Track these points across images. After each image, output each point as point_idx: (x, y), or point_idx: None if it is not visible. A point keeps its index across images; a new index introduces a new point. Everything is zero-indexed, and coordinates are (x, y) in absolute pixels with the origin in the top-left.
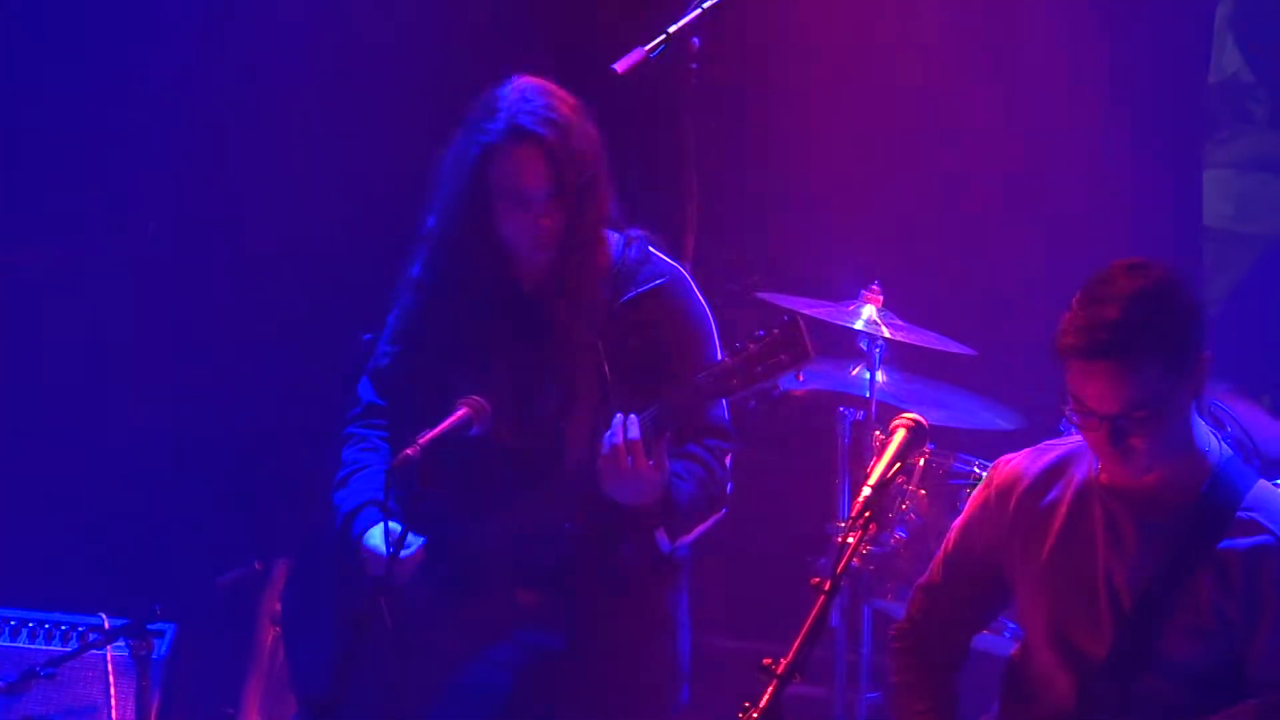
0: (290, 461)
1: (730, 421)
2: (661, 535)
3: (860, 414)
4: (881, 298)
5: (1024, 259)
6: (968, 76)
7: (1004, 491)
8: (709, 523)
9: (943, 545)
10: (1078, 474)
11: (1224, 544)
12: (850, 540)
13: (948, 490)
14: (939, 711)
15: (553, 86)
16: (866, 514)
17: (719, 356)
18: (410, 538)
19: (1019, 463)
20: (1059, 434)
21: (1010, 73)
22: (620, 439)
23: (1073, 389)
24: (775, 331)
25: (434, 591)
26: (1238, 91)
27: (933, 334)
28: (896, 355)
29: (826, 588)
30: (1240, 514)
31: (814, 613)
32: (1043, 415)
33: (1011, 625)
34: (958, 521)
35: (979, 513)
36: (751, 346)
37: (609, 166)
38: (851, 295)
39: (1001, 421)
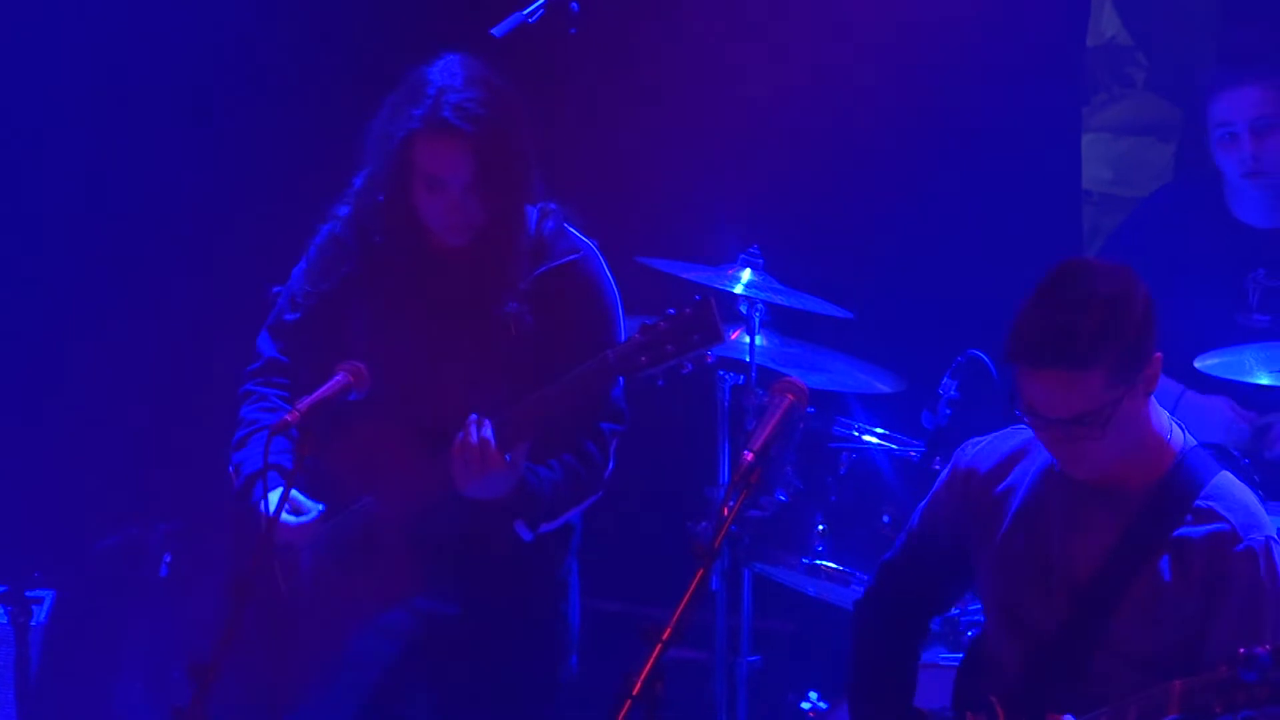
0: (170, 426)
1: (625, 402)
2: (521, 525)
3: (740, 378)
4: (762, 262)
5: (903, 223)
6: (847, 40)
7: (967, 474)
8: (580, 507)
9: (907, 524)
10: (1040, 457)
11: (1180, 531)
12: (731, 504)
13: (827, 454)
14: (896, 688)
15: (483, 68)
16: (748, 478)
17: (623, 334)
18: (309, 503)
19: (983, 446)
20: (937, 396)
21: (889, 36)
22: (473, 438)
23: (1020, 390)
24: (687, 311)
25: (330, 558)
26: (1116, 55)
27: (812, 297)
28: (776, 319)
29: (705, 555)
30: (1199, 502)
31: (695, 578)
32: (921, 377)
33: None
34: (923, 502)
35: (943, 494)
36: (662, 325)
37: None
38: (731, 259)
39: (881, 384)
